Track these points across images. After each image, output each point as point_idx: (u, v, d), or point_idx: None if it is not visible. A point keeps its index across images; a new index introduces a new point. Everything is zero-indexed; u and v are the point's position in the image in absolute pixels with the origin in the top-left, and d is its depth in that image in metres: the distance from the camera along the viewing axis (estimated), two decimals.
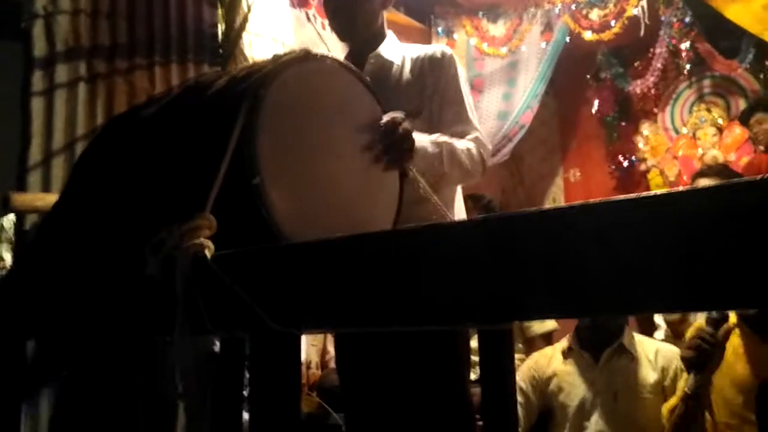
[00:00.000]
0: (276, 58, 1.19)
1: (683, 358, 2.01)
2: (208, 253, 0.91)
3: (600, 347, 2.38)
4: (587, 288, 0.67)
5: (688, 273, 0.59)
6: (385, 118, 1.38)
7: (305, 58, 1.19)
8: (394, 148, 1.38)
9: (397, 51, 1.84)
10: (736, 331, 1.98)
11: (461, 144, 1.67)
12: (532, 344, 3.04)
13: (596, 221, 0.65)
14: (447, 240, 0.77)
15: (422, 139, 1.56)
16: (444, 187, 1.74)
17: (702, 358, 1.91)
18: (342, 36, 1.88)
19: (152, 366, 1.51)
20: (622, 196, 0.65)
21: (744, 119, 3.62)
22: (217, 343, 2.49)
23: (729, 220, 0.57)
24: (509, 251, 0.71)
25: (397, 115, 1.41)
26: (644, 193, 0.64)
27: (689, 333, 2.11)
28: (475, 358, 2.81)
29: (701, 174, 2.87)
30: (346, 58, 1.90)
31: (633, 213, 0.63)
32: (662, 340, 2.99)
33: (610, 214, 0.65)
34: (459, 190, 1.88)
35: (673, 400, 2.08)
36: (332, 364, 2.96)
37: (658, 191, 0.65)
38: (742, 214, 0.57)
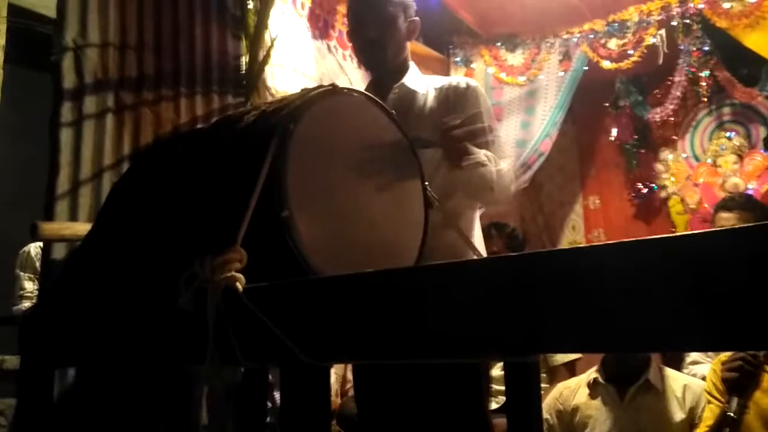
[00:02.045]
0: (304, 92, 1.21)
1: (725, 380, 1.99)
2: (239, 286, 0.92)
3: (626, 382, 2.33)
4: (611, 324, 0.67)
5: (713, 313, 0.60)
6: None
7: (332, 92, 1.21)
8: (452, 144, 1.53)
9: (421, 81, 1.87)
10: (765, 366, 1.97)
11: (502, 163, 1.70)
12: (556, 373, 3.03)
13: (622, 261, 0.66)
14: (473, 277, 0.78)
15: (475, 150, 1.61)
16: (463, 214, 1.76)
17: (745, 379, 1.93)
18: (370, 67, 1.92)
19: (178, 395, 1.52)
20: (645, 238, 0.65)
21: None
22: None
23: (755, 262, 0.58)
24: (533, 288, 0.72)
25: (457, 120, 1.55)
26: (667, 235, 0.65)
27: (723, 357, 2.09)
28: (497, 387, 2.80)
29: (724, 207, 2.81)
30: (368, 87, 1.93)
31: (657, 253, 0.64)
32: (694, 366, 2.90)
33: (635, 253, 0.66)
34: (477, 218, 1.89)
35: (701, 431, 2.05)
36: (352, 392, 2.95)
37: (683, 233, 0.66)
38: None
